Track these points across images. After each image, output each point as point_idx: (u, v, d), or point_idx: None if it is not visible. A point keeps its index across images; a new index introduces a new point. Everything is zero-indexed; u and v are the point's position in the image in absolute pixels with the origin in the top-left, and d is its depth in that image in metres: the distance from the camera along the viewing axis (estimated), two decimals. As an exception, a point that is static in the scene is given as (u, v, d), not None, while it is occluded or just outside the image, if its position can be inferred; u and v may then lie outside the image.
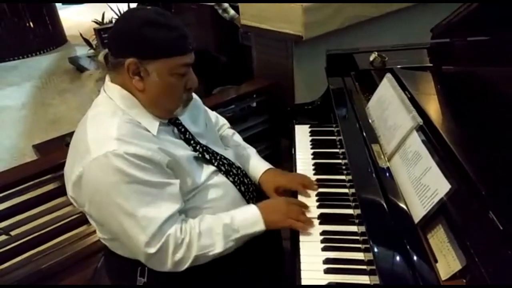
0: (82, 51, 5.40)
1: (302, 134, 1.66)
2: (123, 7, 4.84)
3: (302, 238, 1.17)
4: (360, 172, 1.22)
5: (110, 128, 1.04)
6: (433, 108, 1.29)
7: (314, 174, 1.43)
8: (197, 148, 1.22)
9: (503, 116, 1.23)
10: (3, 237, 1.68)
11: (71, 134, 1.16)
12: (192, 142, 1.22)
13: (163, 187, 1.07)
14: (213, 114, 1.51)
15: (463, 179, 0.95)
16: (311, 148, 1.57)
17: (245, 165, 1.43)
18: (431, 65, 1.65)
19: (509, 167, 1.00)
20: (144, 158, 1.03)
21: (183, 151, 1.17)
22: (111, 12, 4.91)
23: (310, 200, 1.30)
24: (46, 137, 3.37)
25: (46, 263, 1.79)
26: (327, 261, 1.08)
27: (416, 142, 1.10)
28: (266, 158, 1.47)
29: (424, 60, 1.72)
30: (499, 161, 1.03)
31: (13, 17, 5.50)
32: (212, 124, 1.44)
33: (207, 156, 1.23)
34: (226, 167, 1.28)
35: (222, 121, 1.55)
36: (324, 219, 1.22)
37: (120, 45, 1.06)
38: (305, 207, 1.25)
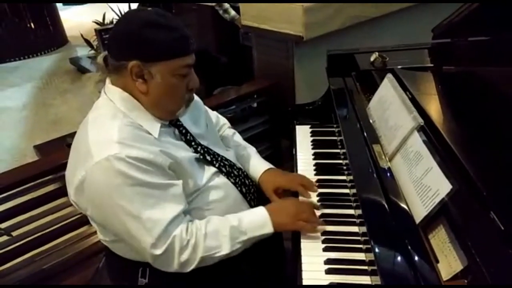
0: (83, 51, 5.41)
1: (303, 135, 1.66)
2: (124, 7, 4.84)
3: (303, 238, 1.17)
4: (361, 173, 1.22)
5: (111, 131, 1.04)
6: (434, 109, 1.29)
7: (315, 174, 1.43)
8: (198, 149, 1.22)
9: (504, 116, 1.23)
10: (5, 237, 1.68)
11: (72, 135, 1.16)
12: (193, 143, 1.22)
13: (166, 188, 1.07)
14: (213, 114, 1.51)
15: (464, 179, 0.95)
16: (312, 149, 1.57)
17: (245, 165, 1.43)
18: (432, 65, 1.65)
19: (510, 167, 1.00)
20: (146, 161, 1.03)
21: (185, 153, 1.17)
22: (111, 13, 4.91)
23: (311, 201, 1.30)
24: (47, 137, 3.37)
25: (47, 264, 1.79)
26: (328, 261, 1.08)
27: (417, 142, 1.10)
28: (267, 158, 1.47)
29: (425, 60, 1.72)
30: (500, 161, 1.03)
31: (14, 17, 5.50)
32: (213, 124, 1.44)
33: (208, 158, 1.23)
34: (227, 168, 1.28)
35: (223, 121, 1.55)
36: (325, 219, 1.22)
37: (123, 48, 1.05)
38: (315, 207, 1.23)
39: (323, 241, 1.15)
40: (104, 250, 1.31)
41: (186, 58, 1.07)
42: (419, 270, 0.88)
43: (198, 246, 1.08)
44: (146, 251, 1.05)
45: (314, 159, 1.51)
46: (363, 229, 1.10)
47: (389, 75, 1.40)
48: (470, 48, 1.70)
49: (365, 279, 1.01)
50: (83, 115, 1.15)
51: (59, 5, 6.47)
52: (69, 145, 1.15)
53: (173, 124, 1.20)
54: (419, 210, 0.98)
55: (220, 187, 1.23)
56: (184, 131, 1.22)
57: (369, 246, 1.01)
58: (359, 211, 1.16)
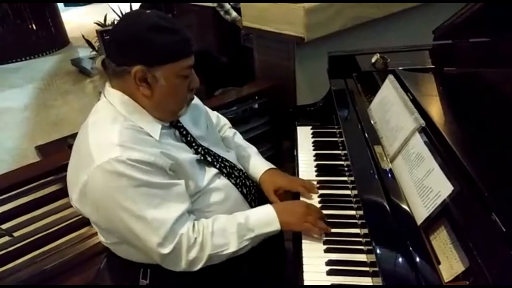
0: (84, 52, 5.42)
1: (304, 136, 1.66)
2: (125, 8, 4.85)
3: (304, 239, 1.17)
4: (363, 174, 1.22)
5: (112, 134, 1.03)
6: (436, 110, 1.29)
7: (316, 175, 1.43)
8: (199, 150, 1.22)
9: (505, 118, 1.23)
10: (6, 238, 1.69)
11: (73, 136, 1.16)
12: (193, 144, 1.22)
13: (170, 187, 1.07)
14: (214, 115, 1.51)
15: (466, 180, 0.95)
16: (313, 150, 1.57)
17: (246, 165, 1.43)
18: (433, 66, 1.65)
19: (511, 168, 1.00)
20: (147, 163, 1.03)
21: (185, 154, 1.17)
22: (113, 14, 4.91)
23: (313, 202, 1.30)
24: (48, 138, 3.38)
25: (48, 264, 1.79)
26: (329, 262, 1.08)
27: (418, 143, 1.10)
28: (268, 159, 1.47)
29: (426, 61, 1.72)
30: (502, 162, 1.03)
31: (16, 19, 5.51)
32: (213, 125, 1.44)
33: (209, 159, 1.24)
34: (228, 169, 1.28)
35: (223, 121, 1.55)
36: (326, 220, 1.22)
37: (125, 53, 1.04)
38: (323, 217, 1.22)
39: (324, 242, 1.15)
40: (105, 251, 1.31)
41: (188, 59, 1.08)
42: (421, 271, 0.88)
43: (206, 244, 1.09)
44: (153, 251, 1.05)
45: (315, 160, 1.51)
46: (365, 230, 1.10)
47: (390, 76, 1.40)
48: (471, 49, 1.70)
49: (367, 281, 1.01)
50: (84, 116, 1.15)
51: (60, 6, 6.49)
52: (70, 146, 1.15)
53: (174, 125, 1.20)
54: (421, 211, 0.98)
55: (221, 188, 1.23)
56: (184, 132, 1.22)
57: (370, 247, 1.00)
58: (360, 212, 1.16)
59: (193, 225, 1.09)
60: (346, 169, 1.41)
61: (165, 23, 1.04)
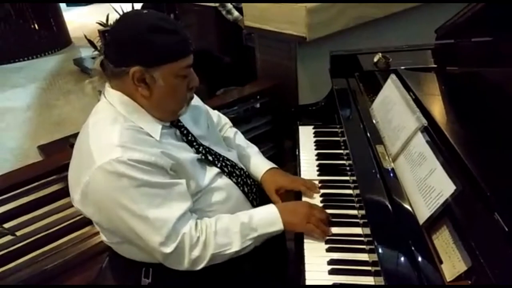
0: (86, 52, 5.42)
1: (306, 135, 1.66)
2: (127, 8, 4.85)
3: (306, 239, 1.17)
4: (365, 173, 1.22)
5: (112, 135, 1.04)
6: (438, 109, 1.29)
7: (318, 175, 1.43)
8: (200, 149, 1.22)
9: (508, 117, 1.23)
10: (8, 237, 1.69)
11: (75, 135, 1.16)
12: (194, 144, 1.22)
13: (171, 187, 1.07)
14: (215, 114, 1.51)
15: (468, 180, 0.94)
16: (315, 149, 1.57)
17: (247, 164, 1.43)
18: (436, 66, 1.65)
19: (514, 168, 1.00)
20: (148, 163, 1.03)
21: (186, 154, 1.17)
22: (115, 14, 4.90)
23: (315, 201, 1.30)
24: (50, 138, 3.38)
25: (50, 264, 1.79)
26: (331, 262, 1.08)
27: (420, 143, 1.10)
28: (269, 159, 1.47)
29: (429, 61, 1.71)
30: (504, 162, 1.03)
31: (18, 19, 5.52)
32: (214, 124, 1.44)
33: (210, 158, 1.23)
34: (229, 168, 1.28)
35: (224, 120, 1.55)
36: (330, 220, 1.21)
37: (123, 54, 1.05)
38: (327, 216, 1.21)
39: (326, 242, 1.14)
40: (107, 250, 1.31)
41: (187, 59, 1.08)
42: (423, 271, 0.88)
43: (209, 243, 1.09)
44: (155, 250, 1.05)
45: (317, 159, 1.51)
46: (367, 230, 1.09)
47: (393, 76, 1.40)
48: (473, 49, 1.70)
49: (369, 280, 1.01)
50: (86, 116, 1.15)
51: (62, 6, 6.50)
52: (72, 146, 1.15)
53: (174, 125, 1.20)
54: (423, 210, 0.97)
55: (222, 188, 1.23)
56: (185, 131, 1.22)
57: (372, 246, 1.00)
58: (362, 212, 1.16)
59: (196, 224, 1.09)
60: (348, 168, 1.41)
61: (163, 24, 1.03)
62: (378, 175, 1.16)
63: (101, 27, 4.62)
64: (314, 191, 1.34)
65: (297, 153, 1.57)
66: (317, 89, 1.94)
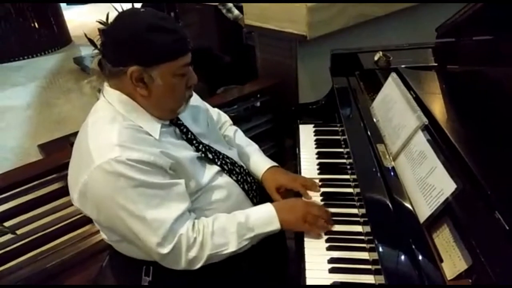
0: (86, 51, 5.41)
1: (306, 134, 1.66)
2: (128, 6, 4.85)
3: (306, 237, 1.16)
4: (365, 172, 1.22)
5: (111, 134, 1.03)
6: (438, 108, 1.29)
7: (319, 173, 1.43)
8: (200, 148, 1.22)
9: (508, 116, 1.23)
10: (8, 236, 1.69)
11: (75, 134, 1.16)
12: (194, 142, 1.22)
13: (170, 187, 1.07)
14: (215, 112, 1.51)
15: (469, 178, 0.94)
16: (316, 148, 1.56)
17: (247, 162, 1.43)
18: (436, 64, 1.65)
19: (515, 167, 0.99)
20: (147, 163, 1.03)
21: (186, 152, 1.17)
22: (115, 13, 4.91)
23: (315, 200, 1.30)
24: (51, 137, 3.38)
25: (50, 263, 1.79)
26: (332, 260, 1.08)
27: (421, 141, 1.10)
28: (270, 157, 1.46)
29: (429, 59, 1.71)
30: (505, 160, 1.02)
31: (18, 17, 5.52)
32: (214, 122, 1.43)
33: (210, 156, 1.23)
34: (229, 166, 1.28)
35: (224, 118, 1.54)
36: (330, 216, 1.21)
37: (121, 54, 1.04)
38: (326, 211, 1.20)
39: (327, 240, 1.14)
40: (107, 249, 1.32)
41: (185, 58, 1.07)
42: (423, 269, 0.88)
43: (206, 244, 1.09)
44: (152, 250, 1.05)
45: (317, 158, 1.51)
46: (367, 228, 1.09)
47: (393, 74, 1.39)
48: (474, 47, 1.69)
49: (369, 278, 1.01)
50: (87, 114, 1.15)
51: (63, 5, 6.49)
52: (72, 144, 1.15)
53: (174, 123, 1.20)
54: (423, 209, 0.97)
55: (223, 186, 1.23)
56: (185, 130, 1.22)
57: (373, 245, 1.00)
58: (362, 210, 1.16)
59: (193, 225, 1.09)
60: (348, 167, 1.41)
61: (160, 22, 1.03)
62: (378, 174, 1.16)
63: (101, 26, 4.62)
64: (314, 190, 1.33)
65: (297, 151, 1.57)
66: (318, 88, 1.94)
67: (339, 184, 1.36)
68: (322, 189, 1.34)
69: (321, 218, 1.18)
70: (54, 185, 1.74)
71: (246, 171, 1.35)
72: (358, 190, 1.22)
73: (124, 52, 1.04)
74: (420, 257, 0.90)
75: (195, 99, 1.34)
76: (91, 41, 4.77)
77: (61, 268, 1.80)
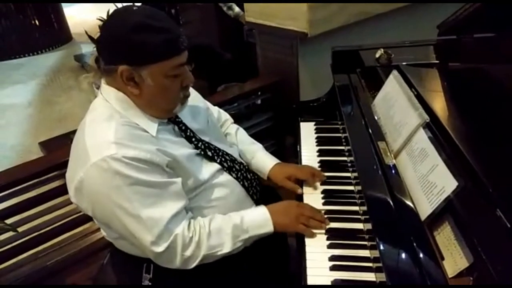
0: (87, 48, 5.41)
1: (307, 131, 1.65)
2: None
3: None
4: (366, 170, 1.22)
5: (108, 132, 1.03)
6: (440, 105, 1.28)
7: (320, 171, 1.42)
8: (199, 145, 1.22)
9: (510, 113, 1.22)
10: (10, 233, 1.69)
11: (76, 132, 1.16)
12: (193, 139, 1.22)
13: (166, 186, 1.07)
14: (215, 110, 1.51)
15: (470, 176, 0.94)
16: (317, 145, 1.56)
17: (252, 160, 1.43)
18: (438, 62, 1.64)
19: (516, 164, 0.99)
20: (143, 161, 1.02)
21: (184, 150, 1.16)
22: (116, 10, 4.91)
23: (316, 197, 1.30)
24: (52, 134, 3.38)
25: (51, 260, 1.80)
26: (332, 258, 1.08)
27: (422, 139, 1.10)
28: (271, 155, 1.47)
29: (431, 57, 1.71)
30: (506, 158, 1.02)
31: (19, 15, 5.51)
32: (215, 120, 1.43)
33: (209, 153, 1.23)
34: (229, 163, 1.27)
35: (224, 116, 1.54)
36: (329, 216, 1.21)
37: (112, 52, 1.04)
38: (317, 214, 1.20)
39: (328, 238, 1.14)
40: (108, 246, 1.32)
41: (177, 58, 1.05)
42: (424, 267, 0.87)
43: (202, 244, 1.09)
44: (147, 249, 1.05)
45: (318, 156, 1.50)
46: (368, 226, 1.09)
47: (395, 72, 1.39)
48: (476, 44, 1.69)
49: (370, 276, 1.01)
50: (87, 111, 1.15)
51: (63, 3, 6.47)
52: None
53: (172, 121, 1.19)
54: (425, 207, 0.97)
55: (224, 184, 1.23)
56: (183, 127, 1.21)
57: (374, 243, 1.00)
58: (364, 208, 1.16)
59: (189, 224, 1.09)
60: (349, 164, 1.41)
61: (150, 22, 1.01)
62: (379, 172, 1.16)
63: (101, 23, 4.59)
64: (321, 178, 1.36)
65: (298, 149, 1.57)
66: (319, 85, 1.93)
67: (340, 182, 1.36)
68: (323, 187, 1.34)
69: (314, 218, 1.18)
70: (55, 183, 1.74)
71: (246, 167, 1.35)
72: (359, 187, 1.22)
73: (114, 51, 1.04)
74: (421, 255, 0.90)
75: (196, 96, 1.33)
76: (92, 38, 4.78)
77: (62, 266, 1.80)
